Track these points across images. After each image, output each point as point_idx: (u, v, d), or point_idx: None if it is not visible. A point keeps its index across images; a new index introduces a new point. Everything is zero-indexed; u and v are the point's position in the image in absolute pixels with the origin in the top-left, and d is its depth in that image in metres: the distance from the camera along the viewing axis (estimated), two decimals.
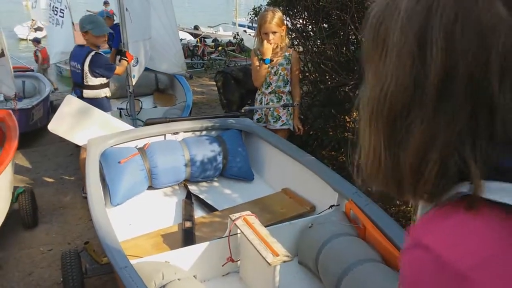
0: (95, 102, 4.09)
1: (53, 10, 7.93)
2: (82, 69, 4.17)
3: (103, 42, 4.29)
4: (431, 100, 0.52)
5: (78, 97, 4.15)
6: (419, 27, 0.52)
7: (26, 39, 18.15)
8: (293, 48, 4.04)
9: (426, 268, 0.48)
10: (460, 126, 0.51)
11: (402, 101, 0.55)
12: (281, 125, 3.73)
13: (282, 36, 3.60)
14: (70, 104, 3.61)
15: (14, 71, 5.76)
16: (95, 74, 4.20)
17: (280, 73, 3.65)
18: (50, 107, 7.01)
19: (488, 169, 0.50)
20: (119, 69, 4.47)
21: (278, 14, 3.55)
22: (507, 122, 0.50)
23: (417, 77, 0.53)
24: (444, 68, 0.51)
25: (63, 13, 7.69)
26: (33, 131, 6.17)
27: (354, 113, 4.61)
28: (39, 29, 18.60)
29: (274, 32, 3.51)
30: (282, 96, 3.70)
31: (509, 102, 0.50)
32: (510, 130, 0.50)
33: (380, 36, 0.57)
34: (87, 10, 10.70)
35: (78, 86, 4.30)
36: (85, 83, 4.21)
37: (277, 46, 3.61)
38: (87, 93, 4.23)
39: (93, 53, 4.17)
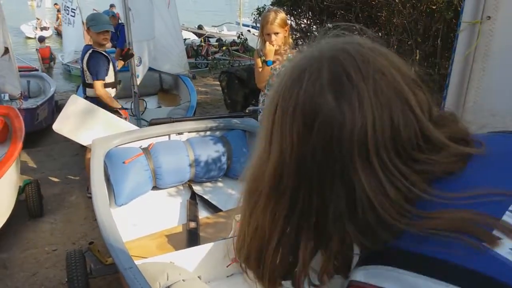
0: (96, 101, 4.09)
1: (65, 10, 7.99)
2: (83, 67, 4.20)
3: (104, 40, 4.26)
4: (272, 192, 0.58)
5: (83, 94, 4.18)
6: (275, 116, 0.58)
7: (34, 38, 18.36)
8: (297, 49, 3.99)
9: None
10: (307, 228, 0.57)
11: (263, 187, 0.59)
12: None
13: (285, 37, 3.56)
14: (75, 104, 3.62)
15: (19, 71, 5.79)
16: (92, 72, 4.20)
17: None
18: (55, 107, 7.04)
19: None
20: (102, 93, 4.12)
21: (281, 14, 3.51)
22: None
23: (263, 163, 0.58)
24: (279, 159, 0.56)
25: (74, 12, 7.75)
26: (38, 131, 6.19)
27: None
28: (45, 28, 18.85)
29: (276, 33, 3.47)
30: None
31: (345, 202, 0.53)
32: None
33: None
34: (93, 9, 10.74)
35: (82, 85, 4.36)
36: (86, 81, 4.22)
37: (283, 46, 3.58)
38: (88, 91, 4.24)
39: (90, 51, 4.19)
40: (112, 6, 13.75)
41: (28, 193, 3.89)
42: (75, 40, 7.59)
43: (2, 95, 6.35)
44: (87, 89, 4.25)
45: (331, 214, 0.54)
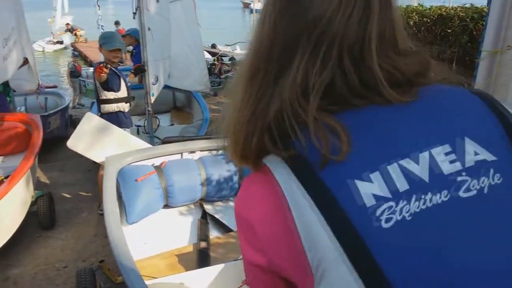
0: (111, 116, 4.13)
1: (97, 24, 8.44)
2: (95, 83, 4.26)
3: (115, 58, 4.34)
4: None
5: (98, 111, 4.24)
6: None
7: (42, 51, 19.33)
8: None
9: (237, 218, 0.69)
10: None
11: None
12: None
13: None
14: (90, 122, 3.66)
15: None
16: (105, 88, 4.24)
17: None
18: (69, 120, 7.14)
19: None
20: (100, 77, 4.12)
21: None
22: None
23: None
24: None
25: (103, 29, 8.09)
26: (52, 143, 6.13)
27: None
28: (59, 42, 19.92)
29: None
30: None
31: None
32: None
33: None
34: (102, 28, 11.02)
35: (96, 101, 4.40)
36: (100, 97, 4.27)
37: None
38: (103, 107, 4.27)
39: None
40: (117, 23, 14.07)
41: (40, 205, 3.93)
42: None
43: (18, 108, 6.45)
44: (101, 105, 4.30)
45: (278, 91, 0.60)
